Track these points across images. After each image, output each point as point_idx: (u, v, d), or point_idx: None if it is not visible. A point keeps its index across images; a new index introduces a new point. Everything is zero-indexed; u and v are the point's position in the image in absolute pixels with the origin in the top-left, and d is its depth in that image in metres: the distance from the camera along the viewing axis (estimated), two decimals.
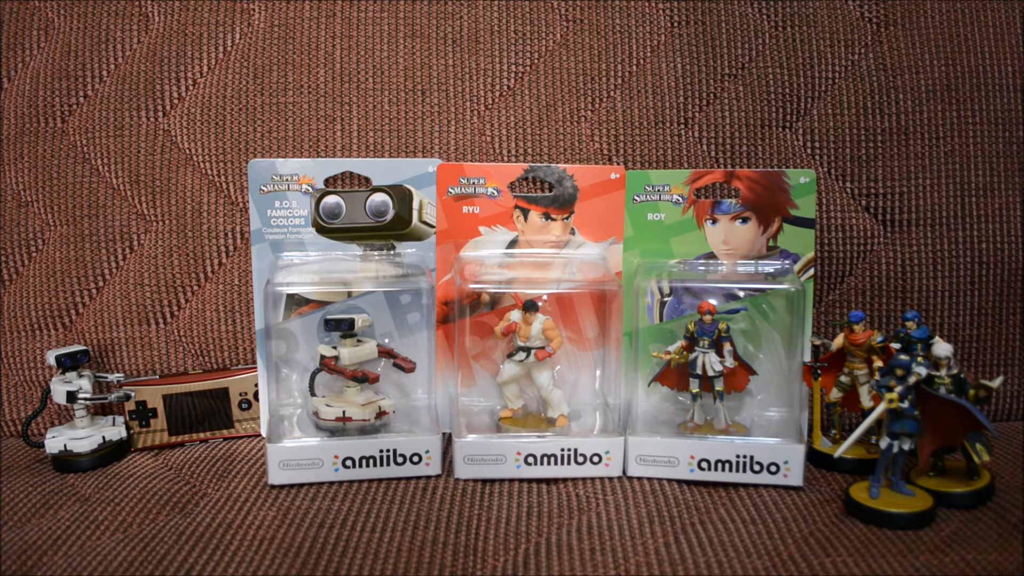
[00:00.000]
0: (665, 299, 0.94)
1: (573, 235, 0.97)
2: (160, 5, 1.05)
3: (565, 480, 0.87)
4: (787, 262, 0.95)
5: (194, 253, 1.03)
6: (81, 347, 0.95)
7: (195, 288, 1.04)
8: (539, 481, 0.86)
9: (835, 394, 0.90)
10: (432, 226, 0.97)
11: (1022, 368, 1.03)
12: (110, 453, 0.93)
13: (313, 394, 0.93)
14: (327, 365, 0.91)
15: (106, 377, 0.96)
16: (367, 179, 0.98)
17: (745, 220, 0.95)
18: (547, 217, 0.96)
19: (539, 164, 0.96)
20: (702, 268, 0.95)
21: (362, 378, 0.91)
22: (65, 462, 0.92)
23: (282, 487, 0.85)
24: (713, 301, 0.89)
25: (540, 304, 0.91)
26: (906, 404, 0.76)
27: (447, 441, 0.93)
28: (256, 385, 0.99)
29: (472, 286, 0.92)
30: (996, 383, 0.81)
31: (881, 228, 1.03)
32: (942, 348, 0.81)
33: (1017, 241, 1.02)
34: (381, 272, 0.95)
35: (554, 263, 0.96)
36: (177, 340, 1.04)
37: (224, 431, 0.99)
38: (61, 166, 1.04)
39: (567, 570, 0.70)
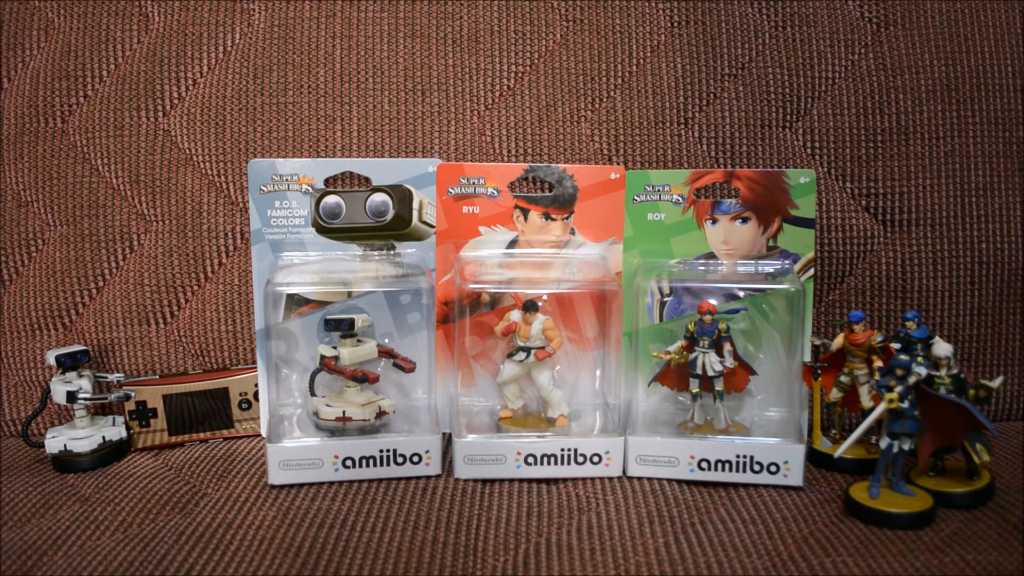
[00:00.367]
0: (665, 299, 0.94)
1: (573, 235, 0.97)
2: (160, 5, 1.05)
3: (565, 480, 0.87)
4: (787, 262, 0.95)
5: (194, 253, 1.03)
6: (81, 347, 0.95)
7: (195, 288, 1.04)
8: (539, 481, 0.86)
9: (835, 394, 0.90)
10: (432, 226, 0.97)
11: (1022, 368, 1.03)
12: (110, 453, 0.93)
13: (313, 394, 0.93)
14: (327, 365, 0.91)
15: (106, 377, 0.96)
16: (367, 179, 0.98)
17: (745, 220, 0.95)
18: (547, 217, 0.96)
19: (539, 164, 0.96)
20: (702, 268, 0.95)
21: (362, 378, 0.91)
22: (65, 462, 0.92)
23: (282, 487, 0.85)
24: (713, 301, 0.89)
25: (540, 304, 0.91)
26: (906, 404, 0.76)
27: (447, 441, 0.93)
28: (256, 385, 0.99)
29: (472, 286, 0.92)
30: (996, 383, 0.81)
31: (881, 228, 1.03)
32: (942, 348, 0.81)
33: (1017, 241, 1.02)
34: (381, 272, 0.95)
35: (554, 263, 0.96)
36: (177, 340, 1.04)
37: (224, 431, 0.99)
38: (61, 166, 1.04)
39: (567, 570, 0.70)
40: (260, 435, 0.99)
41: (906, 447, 0.78)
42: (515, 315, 0.91)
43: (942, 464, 0.83)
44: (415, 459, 0.87)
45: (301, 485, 0.86)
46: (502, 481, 0.86)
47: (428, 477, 0.87)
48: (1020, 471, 0.86)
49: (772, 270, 0.95)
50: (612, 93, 1.04)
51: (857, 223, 1.03)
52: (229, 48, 1.05)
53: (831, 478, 0.86)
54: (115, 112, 1.04)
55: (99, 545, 0.75)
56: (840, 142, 1.03)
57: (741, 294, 0.93)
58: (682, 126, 1.03)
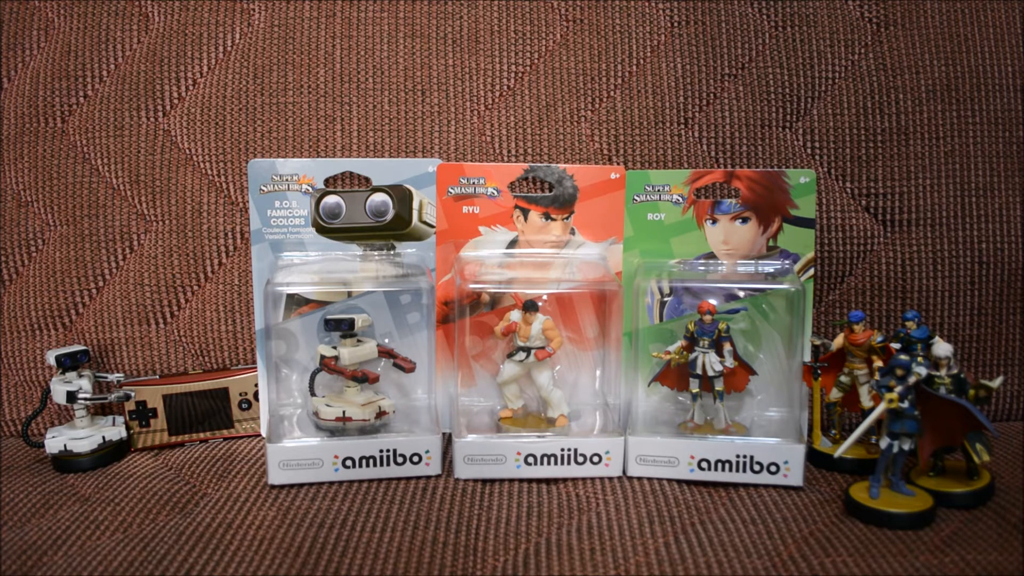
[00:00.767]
0: (665, 299, 0.94)
1: (573, 235, 0.97)
2: (160, 5, 1.05)
3: (565, 480, 0.87)
4: (787, 262, 0.95)
5: (194, 253, 1.03)
6: (81, 347, 0.95)
7: (195, 288, 1.04)
8: (539, 481, 0.86)
9: (835, 394, 0.90)
10: (432, 226, 0.97)
11: (1022, 368, 1.03)
12: (110, 453, 0.93)
13: (313, 394, 0.93)
14: (327, 365, 0.91)
15: (106, 377, 0.96)
16: (367, 179, 0.98)
17: (745, 220, 0.95)
18: (547, 217, 0.96)
19: (539, 164, 0.96)
20: (702, 268, 0.95)
21: (362, 378, 0.91)
22: (65, 462, 0.92)
23: (282, 487, 0.85)
24: (713, 301, 0.89)
25: (540, 304, 0.91)
26: (906, 404, 0.76)
27: (447, 441, 0.93)
28: (256, 385, 0.99)
29: (472, 286, 0.92)
30: (996, 383, 0.81)
31: (881, 228, 1.03)
32: (942, 348, 0.81)
33: (1017, 241, 1.02)
34: (381, 272, 0.95)
35: (554, 263, 0.96)
36: (177, 340, 1.04)
37: (224, 431, 0.99)
38: (61, 166, 1.04)
39: (567, 570, 0.70)
40: (260, 435, 0.99)
41: (906, 447, 0.78)
42: (515, 315, 0.91)
43: (942, 464, 0.83)
44: (415, 459, 0.87)
45: (301, 485, 0.86)
46: (502, 481, 0.86)
47: (428, 477, 0.87)
48: (1020, 471, 0.86)
49: (772, 270, 0.95)
50: (612, 93, 1.04)
51: (857, 223, 1.03)
52: (229, 48, 1.05)
53: (831, 478, 0.86)
54: (115, 112, 1.04)
55: (99, 545, 0.75)
56: (840, 142, 1.03)
57: (741, 294, 0.93)
58: (682, 126, 1.03)
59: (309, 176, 0.96)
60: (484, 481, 0.86)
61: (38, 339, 1.04)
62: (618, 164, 1.03)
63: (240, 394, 0.99)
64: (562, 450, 0.86)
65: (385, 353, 0.93)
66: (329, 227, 0.96)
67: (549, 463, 0.86)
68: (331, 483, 0.86)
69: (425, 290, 0.93)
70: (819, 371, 0.89)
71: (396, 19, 1.05)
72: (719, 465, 0.85)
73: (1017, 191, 1.03)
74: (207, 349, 1.03)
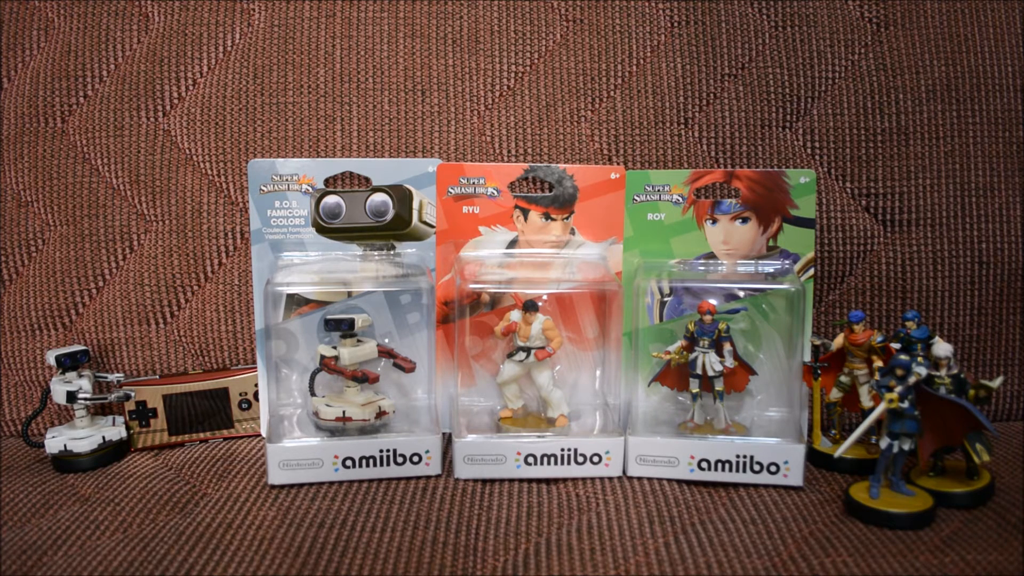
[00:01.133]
0: (665, 299, 0.94)
1: (573, 235, 0.97)
2: (160, 5, 1.05)
3: (565, 480, 0.87)
4: (787, 262, 0.95)
5: (194, 253, 1.03)
6: (81, 347, 0.95)
7: (195, 288, 1.04)
8: (539, 481, 0.86)
9: (835, 394, 0.90)
10: (432, 226, 0.97)
11: (1022, 368, 1.03)
12: (110, 453, 0.93)
13: (313, 394, 0.93)
14: (327, 365, 0.91)
15: (106, 377, 0.96)
16: (367, 179, 0.98)
17: (745, 220, 0.95)
18: (547, 217, 0.96)
19: (539, 164, 0.96)
20: (702, 268, 0.95)
21: (362, 378, 0.91)
22: (65, 462, 0.92)
23: (282, 487, 0.85)
24: (713, 301, 0.89)
25: (540, 304, 0.91)
26: (906, 404, 0.76)
27: (447, 441, 0.93)
28: (256, 385, 0.99)
29: (472, 286, 0.92)
30: (996, 383, 0.81)
31: (881, 228, 1.03)
32: (942, 348, 0.81)
33: (1017, 241, 1.02)
34: (381, 272, 0.95)
35: (554, 263, 0.96)
36: (177, 340, 1.04)
37: (224, 431, 0.99)
38: (61, 166, 1.04)
39: (567, 570, 0.70)
40: (260, 435, 0.99)
41: (906, 447, 0.78)
42: (515, 315, 0.91)
43: (942, 464, 0.83)
44: (415, 459, 0.87)
45: (301, 485, 0.86)
46: (502, 481, 0.86)
47: (428, 477, 0.87)
48: (1020, 471, 0.86)
49: (772, 270, 0.95)
50: (612, 93, 1.04)
51: (857, 223, 1.03)
52: (229, 48, 1.05)
53: (831, 478, 0.86)
54: (115, 112, 1.04)
55: (99, 545, 0.75)
56: (840, 142, 1.03)
57: (741, 294, 0.93)
58: (682, 126, 1.03)
59: (309, 176, 0.96)
60: (484, 481, 0.86)
61: (38, 339, 1.04)
62: (618, 164, 1.03)
63: (240, 394, 0.99)
64: (562, 450, 0.86)
65: (385, 353, 0.93)
66: (329, 227, 0.96)
67: (549, 463, 0.86)
68: (331, 483, 0.86)
69: (425, 290, 0.93)
70: (819, 371, 0.89)
71: (396, 19, 1.05)
72: (719, 465, 0.85)
73: (1017, 191, 1.03)
74: (207, 349, 1.03)
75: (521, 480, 0.87)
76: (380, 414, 0.90)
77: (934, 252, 1.02)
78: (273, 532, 0.76)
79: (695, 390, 0.90)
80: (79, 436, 0.92)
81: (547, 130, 1.03)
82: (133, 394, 0.96)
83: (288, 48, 1.04)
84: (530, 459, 0.86)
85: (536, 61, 1.04)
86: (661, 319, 0.94)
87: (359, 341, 0.92)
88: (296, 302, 0.95)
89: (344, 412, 0.89)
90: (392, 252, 0.97)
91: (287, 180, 0.96)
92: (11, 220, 1.04)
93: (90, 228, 1.04)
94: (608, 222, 0.96)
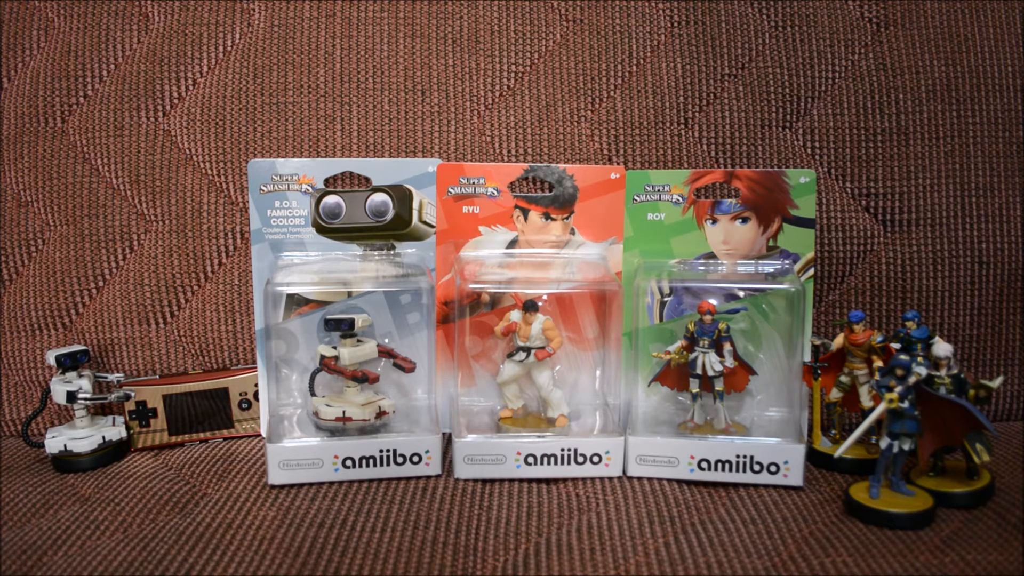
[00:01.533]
0: (665, 299, 0.94)
1: (573, 235, 0.97)
2: (160, 5, 1.05)
3: (565, 480, 0.87)
4: (787, 262, 0.95)
5: (194, 253, 1.03)
6: (81, 347, 0.95)
7: (195, 288, 1.04)
8: (539, 481, 0.86)
9: (835, 394, 0.90)
10: (432, 226, 0.97)
11: (1022, 368, 1.03)
12: (110, 453, 0.93)
13: (313, 394, 0.93)
14: (327, 365, 0.91)
15: (106, 377, 0.96)
16: (367, 179, 0.98)
17: (745, 220, 0.95)
18: (547, 217, 0.96)
19: (539, 164, 0.96)
20: (702, 268, 0.95)
21: (362, 378, 0.91)
22: (65, 462, 0.92)
23: (282, 487, 0.85)
24: (713, 301, 0.89)
25: (540, 304, 0.91)
26: (906, 404, 0.76)
27: (447, 441, 0.93)
28: (256, 385, 0.99)
29: (472, 286, 0.92)
30: (996, 383, 0.81)
31: (881, 228, 1.03)
32: (942, 348, 0.81)
33: (1017, 241, 1.02)
34: (381, 272, 0.95)
35: (554, 263, 0.96)
36: (177, 340, 1.04)
37: (224, 431, 0.99)
38: (61, 166, 1.04)
39: (567, 570, 0.70)
40: (260, 435, 0.99)
41: (906, 447, 0.78)
42: (515, 315, 0.91)
43: (942, 464, 0.83)
44: (415, 459, 0.87)
45: (301, 485, 0.86)
46: (502, 481, 0.86)
47: (428, 477, 0.87)
48: (1020, 471, 0.86)
49: (772, 270, 0.95)
50: (612, 93, 1.04)
51: (857, 223, 1.03)
52: (229, 48, 1.05)
53: (831, 478, 0.86)
54: (115, 112, 1.04)
55: (99, 545, 0.75)
56: (840, 142, 1.03)
57: (741, 294, 0.93)
58: (682, 126, 1.03)
59: (309, 176, 0.96)
60: (484, 481, 0.86)
61: (38, 339, 1.04)
62: (618, 164, 1.03)
63: (240, 394, 0.99)
64: (562, 450, 0.86)
65: (385, 353, 0.93)
66: (329, 227, 0.96)
67: (549, 463, 0.86)
68: (331, 483, 0.86)
69: (425, 290, 0.93)
70: (819, 371, 0.89)
71: (396, 19, 1.05)
72: (719, 465, 0.85)
73: (1017, 191, 1.03)
74: (207, 349, 1.03)
75: (521, 480, 0.87)
76: (380, 414, 0.90)
77: (934, 252, 1.02)
78: (273, 532, 0.76)
79: (695, 390, 0.90)
80: (79, 436, 0.92)
81: (547, 130, 1.03)
82: (133, 394, 0.96)
83: (288, 48, 1.04)
84: (530, 459, 0.86)
85: (536, 61, 1.04)
86: (661, 319, 0.94)
87: (359, 341, 0.92)
88: (296, 302, 0.95)
89: (344, 412, 0.89)
90: (392, 252, 0.97)
91: (287, 180, 0.96)
92: (11, 220, 1.04)
93: (90, 228, 1.04)
94: (608, 222, 0.96)
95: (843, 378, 0.90)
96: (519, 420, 0.92)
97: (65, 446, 0.92)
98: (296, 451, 0.85)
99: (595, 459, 0.87)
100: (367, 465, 0.86)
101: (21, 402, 1.05)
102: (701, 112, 1.04)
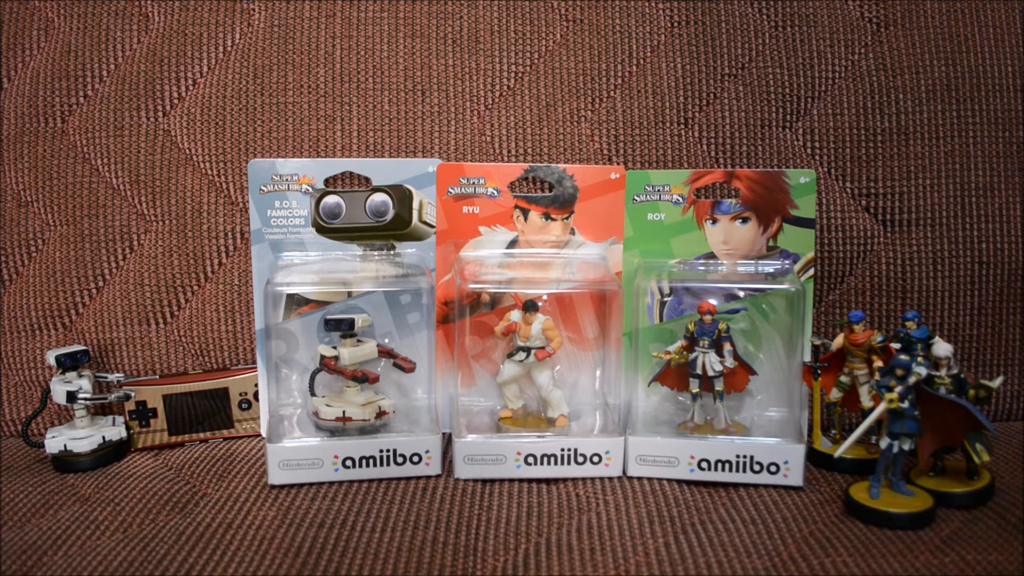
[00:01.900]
0: (665, 299, 0.94)
1: (573, 235, 0.97)
2: (160, 5, 1.05)
3: (565, 480, 0.87)
4: (787, 262, 0.95)
5: (194, 253, 1.03)
6: (81, 347, 0.95)
7: (195, 288, 1.04)
8: (539, 481, 0.86)
9: (835, 394, 0.90)
10: (432, 226, 0.97)
11: (1022, 368, 1.03)
12: (110, 453, 0.93)
13: (313, 394, 0.93)
14: (327, 365, 0.91)
15: (106, 377, 0.96)
16: (367, 179, 0.98)
17: (745, 220, 0.95)
18: (547, 217, 0.96)
19: (539, 164, 0.96)
20: (702, 268, 0.95)
21: (362, 378, 0.91)
22: (65, 462, 0.92)
23: (282, 487, 0.85)
24: (713, 301, 0.89)
25: (540, 304, 0.91)
26: (906, 404, 0.76)
27: (447, 441, 0.93)
28: (256, 385, 0.99)
29: (472, 286, 0.92)
30: (996, 383, 0.81)
31: (881, 228, 1.03)
32: (942, 348, 0.81)
33: (1017, 241, 1.02)
34: (381, 272, 0.95)
35: (554, 263, 0.96)
36: (177, 340, 1.04)
37: (224, 431, 0.99)
38: (61, 166, 1.04)
39: (567, 570, 0.70)
40: (260, 435, 0.99)
41: (906, 447, 0.78)
42: (515, 315, 0.91)
43: (942, 464, 0.83)
44: (415, 459, 0.87)
45: (301, 485, 0.86)
46: (502, 481, 0.86)
47: (428, 477, 0.87)
48: (1020, 471, 0.86)
49: (772, 270, 0.95)
50: (612, 93, 1.04)
51: (857, 223, 1.03)
52: (229, 48, 1.05)
53: (831, 478, 0.86)
54: (115, 112, 1.04)
55: (99, 545, 0.75)
56: (840, 142, 1.03)
57: (741, 294, 0.93)
58: (682, 126, 1.03)
59: (309, 176, 0.96)
60: (484, 481, 0.86)
61: (38, 339, 1.04)
62: (618, 164, 1.03)
63: (240, 394, 0.99)
64: (562, 450, 0.86)
65: (385, 353, 0.93)
66: (329, 227, 0.96)
67: (549, 463, 0.86)
68: (331, 483, 0.86)
69: (425, 290, 0.93)
70: (819, 371, 0.89)
71: (396, 19, 1.05)
72: (719, 465, 0.85)
73: (1017, 191, 1.03)
74: (207, 349, 1.03)
75: (521, 480, 0.87)
76: (380, 414, 0.91)
77: (934, 252, 1.02)
78: (273, 532, 0.76)
79: (695, 390, 0.90)
80: (79, 436, 0.92)
81: (547, 130, 1.03)
82: (133, 394, 0.96)
83: (288, 48, 1.04)
84: (530, 459, 0.86)
85: (536, 61, 1.04)
86: (661, 319, 0.94)
87: (359, 341, 0.92)
88: (296, 302, 0.95)
89: (344, 412, 0.89)
90: (392, 252, 0.97)
91: (287, 180, 0.96)
92: (11, 220, 1.04)
93: (90, 228, 1.04)
94: (608, 222, 0.96)
95: (843, 378, 0.90)
96: (519, 420, 0.92)
97: (65, 446, 0.92)
98: (296, 451, 0.85)
99: (595, 459, 0.87)
100: (367, 465, 0.86)
101: (21, 402, 1.05)
102: (701, 112, 1.04)
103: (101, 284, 1.04)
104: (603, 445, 0.87)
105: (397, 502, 0.82)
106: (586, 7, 1.05)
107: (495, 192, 0.96)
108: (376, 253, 0.97)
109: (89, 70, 1.05)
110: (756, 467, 0.85)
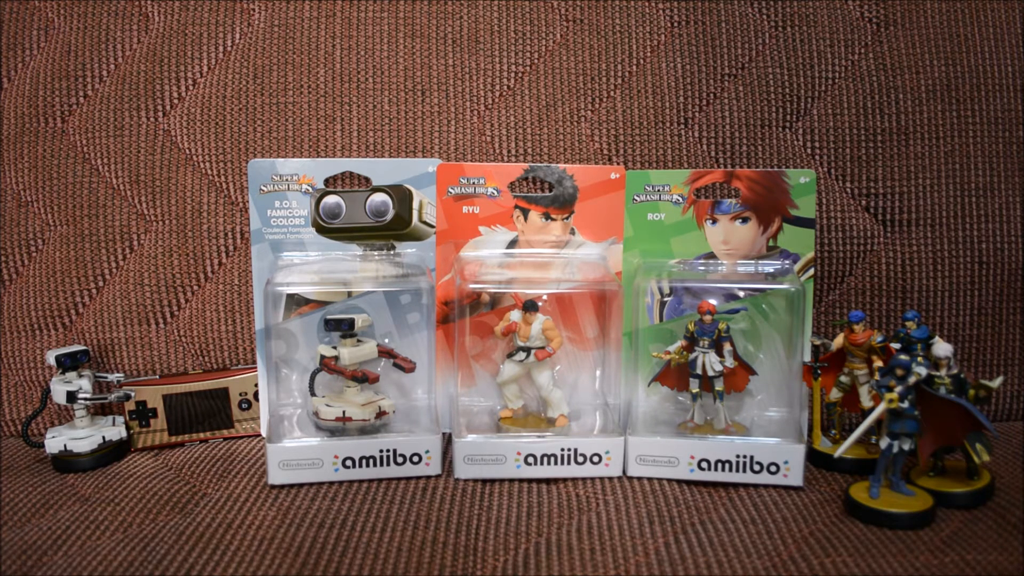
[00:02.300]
0: (665, 299, 0.94)
1: (573, 235, 0.97)
2: (160, 5, 1.05)
3: (565, 480, 0.87)
4: (787, 262, 0.95)
5: (194, 253, 1.03)
6: (81, 347, 0.95)
7: (195, 288, 1.04)
8: (539, 481, 0.86)
9: (835, 394, 0.90)
10: (432, 226, 0.97)
11: (1022, 368, 1.03)
12: (110, 453, 0.93)
13: (313, 394, 0.93)
14: (327, 365, 0.91)
15: (106, 377, 0.96)
16: (367, 179, 0.98)
17: (745, 220, 0.95)
18: (547, 217, 0.96)
19: (539, 164, 0.97)
20: (702, 268, 0.95)
21: (362, 378, 0.91)
22: (65, 462, 0.92)
23: (282, 487, 0.85)
24: (713, 301, 0.89)
25: (540, 304, 0.91)
26: (906, 404, 0.76)
27: (447, 441, 0.93)
28: (256, 385, 0.99)
29: (472, 286, 0.92)
30: (996, 383, 0.81)
31: (881, 228, 1.03)
32: (942, 348, 0.81)
33: (1017, 241, 1.02)
34: (381, 272, 0.95)
35: (554, 263, 0.96)
36: (177, 340, 1.04)
37: (224, 431, 0.99)
38: (61, 166, 1.04)
39: (567, 570, 0.70)
40: (260, 435, 0.99)
41: (906, 447, 0.78)
42: (515, 315, 0.91)
43: (942, 464, 0.83)
44: (415, 459, 0.87)
45: (301, 485, 0.86)
46: (502, 481, 0.86)
47: (428, 477, 0.87)
48: (1020, 471, 0.87)
49: (772, 270, 0.95)
50: (612, 93, 1.04)
51: (857, 223, 1.03)
52: (229, 48, 1.05)
53: (831, 478, 0.86)
54: (115, 112, 1.04)
55: (99, 545, 0.75)
56: (840, 142, 1.03)
57: (741, 294, 0.93)
58: (682, 126, 1.03)
59: (309, 176, 0.96)
60: (484, 481, 0.86)
61: (38, 339, 1.04)
62: (618, 164, 1.03)
63: (240, 394, 0.99)
64: (562, 450, 0.86)
65: (385, 353, 0.93)
66: (329, 227, 0.96)
67: (549, 463, 0.86)
68: (331, 483, 0.86)
69: (425, 290, 0.93)
70: (819, 371, 0.89)
71: (396, 19, 1.05)
72: (719, 465, 0.85)
73: (1017, 191, 1.03)
74: (207, 349, 1.03)
75: (521, 480, 0.87)
76: (380, 414, 0.91)
77: (934, 252, 1.02)
78: (273, 532, 0.76)
79: (695, 390, 0.90)
80: (79, 436, 0.92)
81: (547, 130, 1.03)
82: (133, 394, 0.96)
83: (288, 48, 1.04)
84: (530, 459, 0.86)
85: (536, 61, 1.04)
86: (661, 319, 0.94)
87: (359, 341, 0.92)
88: (296, 302, 0.95)
89: (344, 412, 0.89)
90: (392, 252, 0.97)
91: (287, 180, 0.96)
92: (11, 220, 1.04)
93: (90, 228, 1.04)
94: (608, 222, 0.96)
95: (843, 378, 0.90)
96: (519, 420, 0.92)
97: (65, 446, 0.92)
98: (296, 451, 0.85)
99: (595, 459, 0.87)
100: (367, 465, 0.86)
101: (21, 402, 1.05)
102: (701, 112, 1.04)
103: (101, 284, 1.04)
104: (603, 445, 0.87)
105: (397, 502, 0.82)
106: (586, 7, 1.05)
107: (495, 192, 0.96)
108: (376, 253, 0.97)
109: (89, 70, 1.05)
110: (756, 467, 0.85)
